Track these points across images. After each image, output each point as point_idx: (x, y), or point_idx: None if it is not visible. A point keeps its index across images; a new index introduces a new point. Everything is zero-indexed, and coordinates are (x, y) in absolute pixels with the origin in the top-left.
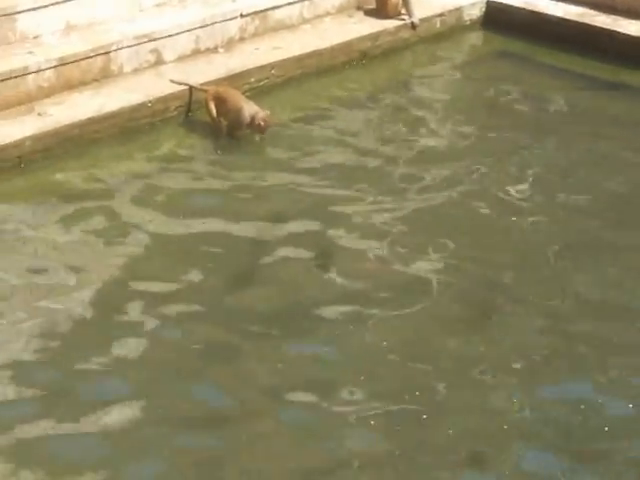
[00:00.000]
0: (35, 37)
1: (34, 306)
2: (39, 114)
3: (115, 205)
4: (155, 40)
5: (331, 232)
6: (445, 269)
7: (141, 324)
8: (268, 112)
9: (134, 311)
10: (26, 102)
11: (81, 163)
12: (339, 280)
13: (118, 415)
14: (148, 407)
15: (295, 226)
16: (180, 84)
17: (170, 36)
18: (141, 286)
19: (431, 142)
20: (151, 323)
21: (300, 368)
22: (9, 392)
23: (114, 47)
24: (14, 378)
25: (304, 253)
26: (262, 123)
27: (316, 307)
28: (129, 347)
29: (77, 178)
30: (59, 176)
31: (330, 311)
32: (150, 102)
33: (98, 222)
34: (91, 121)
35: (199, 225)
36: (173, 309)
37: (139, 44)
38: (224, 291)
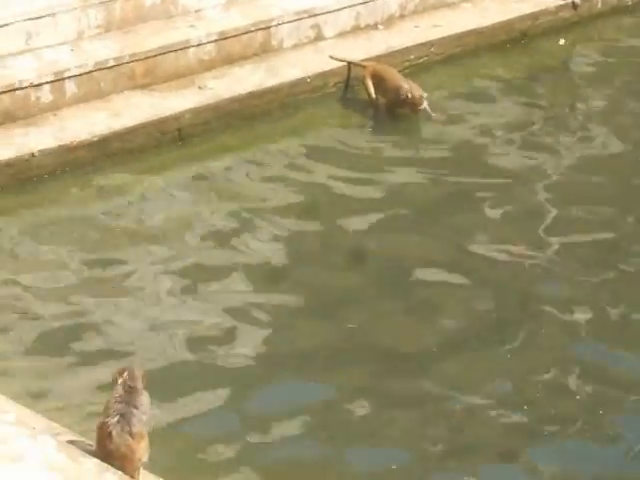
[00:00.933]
0: (197, 11)
1: None
2: (199, 87)
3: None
4: (315, 16)
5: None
6: None
7: None
8: (424, 94)
9: None
10: (186, 75)
11: (240, 137)
12: None
13: None
14: None
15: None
16: (339, 60)
17: (330, 12)
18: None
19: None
20: None
21: None
22: None
23: (275, 22)
24: None
25: None
26: (418, 101)
27: None
28: None
29: (235, 152)
30: (217, 150)
31: None
32: (309, 78)
33: None
34: (251, 96)
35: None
36: None
37: (300, 19)
38: None
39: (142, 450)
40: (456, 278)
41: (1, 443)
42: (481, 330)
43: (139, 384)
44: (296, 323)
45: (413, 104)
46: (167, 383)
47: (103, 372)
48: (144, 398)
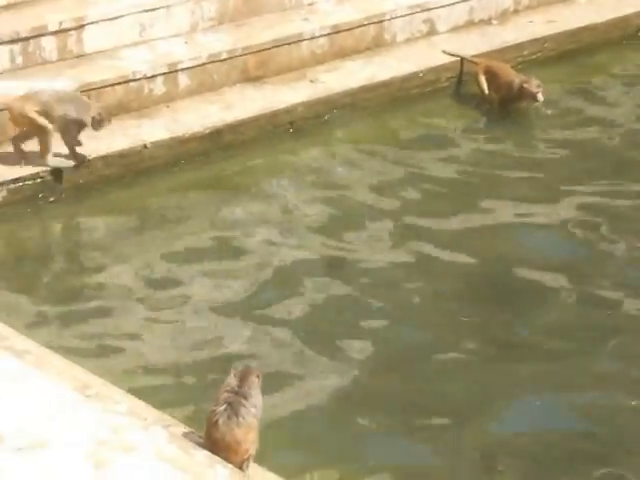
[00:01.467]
0: (310, 4)
1: None
2: (311, 81)
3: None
4: (429, 10)
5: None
6: None
7: None
8: (539, 83)
9: None
10: (299, 68)
11: (351, 131)
12: None
13: None
14: None
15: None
16: (452, 55)
17: (444, 7)
18: None
19: None
20: None
21: None
22: None
23: (388, 16)
24: None
25: None
26: (535, 91)
27: None
28: None
29: (347, 145)
30: (328, 142)
31: None
32: (422, 72)
33: None
34: (363, 89)
35: None
36: None
37: (412, 14)
38: None
39: (249, 442)
40: None
41: (113, 433)
42: None
43: (252, 378)
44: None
45: (530, 95)
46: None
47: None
48: (255, 392)
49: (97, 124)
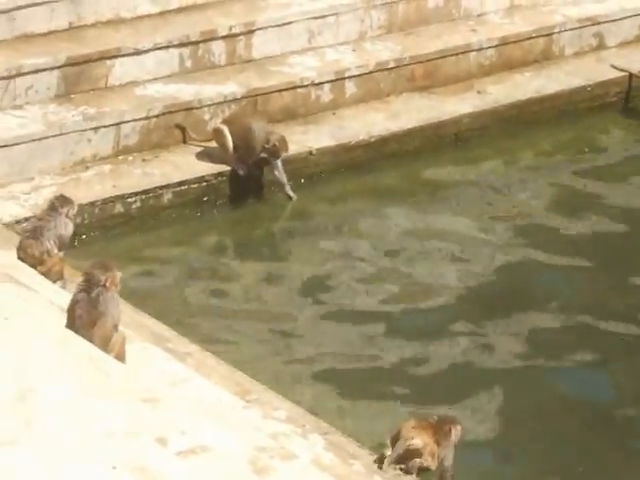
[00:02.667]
0: (479, 15)
1: None
2: (478, 92)
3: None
4: (599, 24)
5: None
6: None
7: None
8: None
9: None
10: (465, 80)
11: (517, 143)
12: None
13: None
14: None
15: None
16: (621, 70)
17: (614, 21)
18: None
19: None
20: None
21: None
22: None
23: (557, 29)
24: None
25: None
26: None
27: None
28: None
29: (511, 157)
30: (493, 155)
31: None
32: (589, 86)
33: None
34: (530, 102)
35: None
36: None
37: (582, 27)
38: None
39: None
40: None
41: (273, 440)
42: None
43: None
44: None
45: None
46: None
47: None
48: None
49: (272, 154)
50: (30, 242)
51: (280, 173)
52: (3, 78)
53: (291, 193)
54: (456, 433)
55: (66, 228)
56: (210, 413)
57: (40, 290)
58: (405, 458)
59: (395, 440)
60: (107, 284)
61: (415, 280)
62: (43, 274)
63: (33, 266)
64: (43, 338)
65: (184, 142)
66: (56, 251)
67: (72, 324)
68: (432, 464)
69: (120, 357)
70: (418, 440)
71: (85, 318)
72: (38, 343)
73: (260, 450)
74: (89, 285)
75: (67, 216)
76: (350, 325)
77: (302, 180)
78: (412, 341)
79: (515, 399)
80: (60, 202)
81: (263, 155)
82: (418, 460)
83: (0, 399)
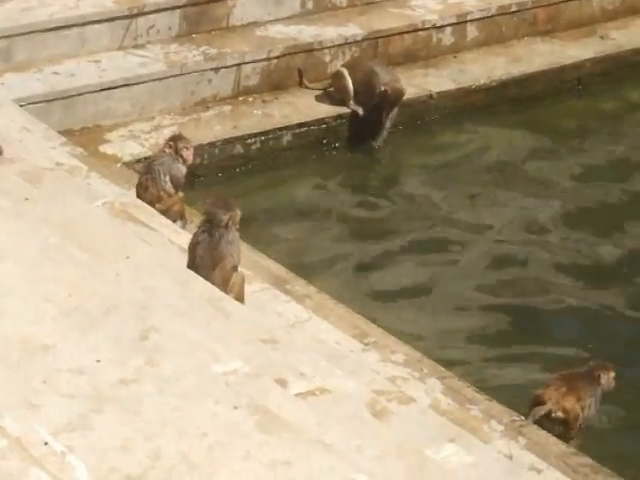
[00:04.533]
0: None
1: None
2: (601, 37)
3: None
4: None
5: None
6: None
7: None
8: None
9: None
10: (588, 24)
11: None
12: None
13: None
14: None
15: None
16: None
17: None
18: None
19: None
20: None
21: None
22: None
23: None
24: None
25: None
26: None
27: None
28: None
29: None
30: (615, 100)
31: None
32: None
33: None
34: None
35: None
36: None
37: None
38: None
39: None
40: None
41: (391, 382)
42: None
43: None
44: None
45: None
46: None
47: None
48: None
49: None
50: (147, 180)
51: (387, 121)
52: (125, 17)
53: (377, 143)
54: (607, 380)
55: (179, 169)
56: (328, 355)
57: (160, 229)
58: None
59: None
60: (229, 224)
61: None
62: (162, 212)
63: (151, 204)
64: (164, 277)
65: (300, 86)
66: (173, 190)
67: (192, 264)
68: (567, 416)
69: (239, 298)
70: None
71: (206, 259)
72: (159, 282)
73: (378, 393)
74: (211, 226)
75: (182, 156)
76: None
77: (420, 124)
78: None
79: None
80: (176, 141)
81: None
82: (546, 408)
83: (124, 337)
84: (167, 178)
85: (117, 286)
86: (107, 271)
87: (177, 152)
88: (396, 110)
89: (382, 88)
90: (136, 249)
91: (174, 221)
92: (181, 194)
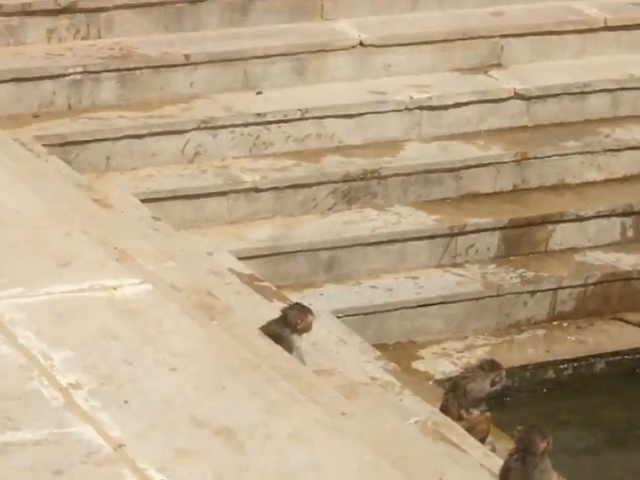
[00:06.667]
0: None
1: None
2: None
3: None
4: None
5: None
6: None
7: None
8: None
9: None
10: None
11: None
12: None
13: None
14: None
15: None
16: None
17: None
18: None
19: None
20: None
21: None
22: None
23: None
24: None
25: None
26: None
27: None
28: None
29: None
30: None
31: None
32: None
33: None
34: None
35: None
36: None
37: None
38: None
39: None
40: None
41: None
42: None
43: None
44: None
45: None
46: None
47: None
48: None
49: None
50: (448, 398)
51: None
52: (445, 235)
53: None
54: None
55: (482, 389)
56: None
57: (470, 451)
58: None
59: None
60: (544, 453)
61: None
62: (467, 431)
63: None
64: None
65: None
66: (475, 410)
67: None
68: None
69: None
70: None
71: None
72: None
73: None
74: (525, 453)
75: (492, 381)
76: None
77: None
78: None
79: None
80: (489, 366)
81: None
82: None
83: None
84: (470, 397)
85: None
86: None
87: (488, 375)
88: None
89: None
90: (448, 470)
91: (481, 441)
92: (488, 413)
